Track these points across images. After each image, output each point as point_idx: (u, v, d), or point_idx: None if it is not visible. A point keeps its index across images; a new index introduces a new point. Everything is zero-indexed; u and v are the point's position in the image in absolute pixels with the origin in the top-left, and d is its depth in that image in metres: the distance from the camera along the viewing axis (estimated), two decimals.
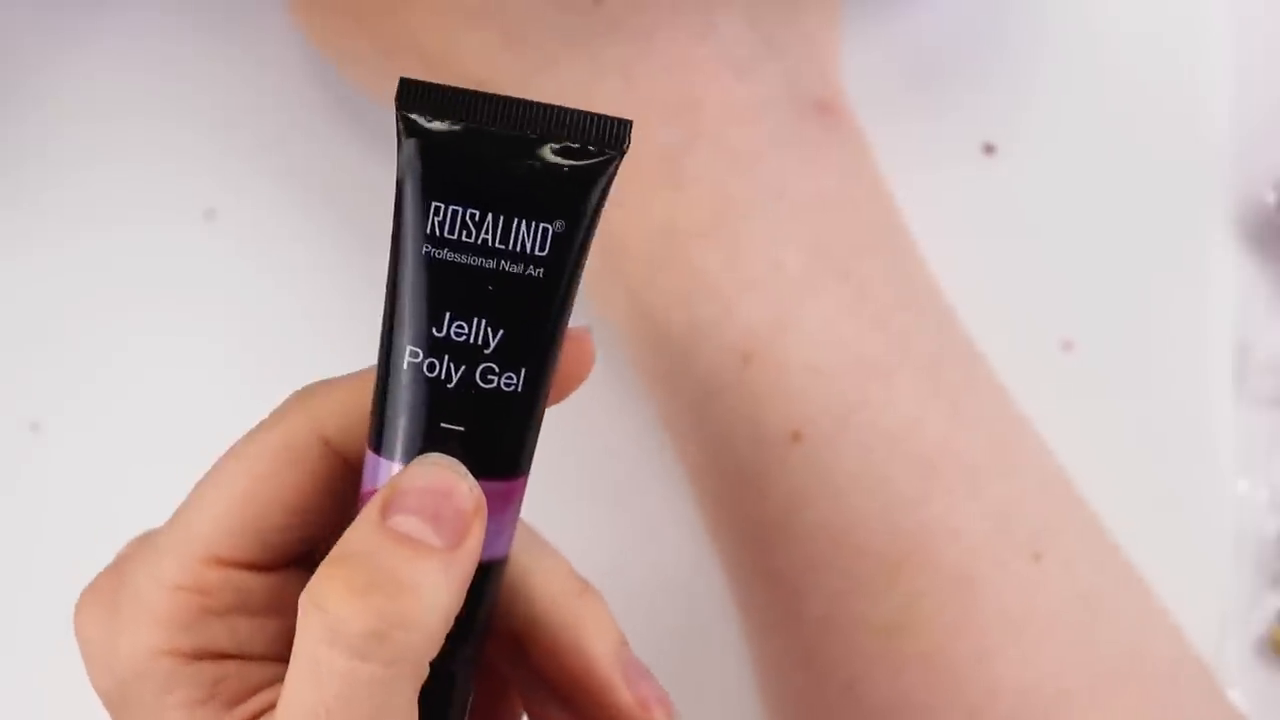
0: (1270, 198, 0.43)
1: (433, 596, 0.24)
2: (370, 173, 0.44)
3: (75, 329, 0.44)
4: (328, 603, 0.23)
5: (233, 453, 0.27)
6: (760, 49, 0.38)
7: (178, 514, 0.27)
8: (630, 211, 0.36)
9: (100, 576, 0.28)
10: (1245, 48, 0.44)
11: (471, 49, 0.38)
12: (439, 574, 0.24)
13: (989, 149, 0.43)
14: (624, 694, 0.28)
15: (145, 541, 0.28)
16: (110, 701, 0.27)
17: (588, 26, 0.37)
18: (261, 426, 0.27)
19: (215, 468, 0.27)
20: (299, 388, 0.27)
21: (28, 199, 0.45)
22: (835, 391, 0.35)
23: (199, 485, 0.27)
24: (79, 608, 0.27)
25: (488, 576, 0.26)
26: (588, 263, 0.40)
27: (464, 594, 0.25)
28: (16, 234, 0.44)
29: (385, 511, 0.24)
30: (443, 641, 0.24)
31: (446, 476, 0.25)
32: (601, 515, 0.42)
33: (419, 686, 0.24)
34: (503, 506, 0.26)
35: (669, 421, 0.38)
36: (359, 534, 0.24)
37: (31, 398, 0.43)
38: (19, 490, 0.43)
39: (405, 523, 0.24)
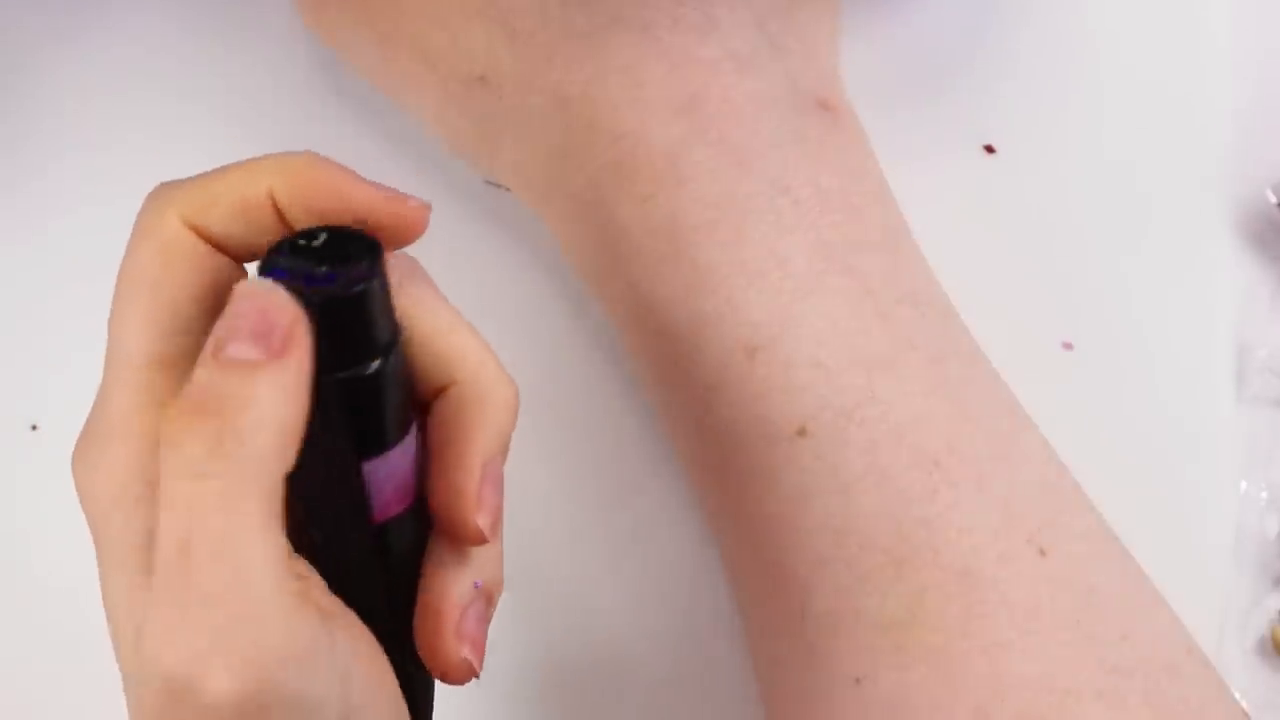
0: (1270, 198, 0.43)
1: (262, 408, 0.25)
2: (372, 169, 0.43)
3: (75, 329, 0.43)
4: (172, 436, 0.25)
5: (125, 268, 0.29)
6: (762, 47, 0.38)
7: (109, 340, 0.29)
8: (634, 207, 0.36)
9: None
10: (1245, 48, 0.44)
11: (472, 44, 0.38)
12: (266, 385, 0.25)
13: (989, 149, 0.43)
14: (473, 484, 0.29)
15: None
16: (96, 533, 0.28)
17: (590, 22, 0.37)
18: (134, 235, 0.29)
19: (121, 289, 0.29)
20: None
21: (28, 199, 0.45)
22: (840, 387, 0.35)
23: (113, 313, 0.29)
24: (74, 461, 0.29)
25: (346, 390, 0.27)
26: (591, 258, 0.40)
27: (304, 402, 0.25)
28: (17, 234, 0.44)
29: (218, 347, 0.25)
30: (293, 453, 0.25)
31: (266, 297, 0.26)
32: (601, 515, 0.42)
33: (272, 501, 0.25)
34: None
35: (672, 418, 0.38)
36: (198, 371, 0.25)
37: (31, 398, 0.43)
38: (19, 490, 0.43)
39: (234, 349, 0.25)
